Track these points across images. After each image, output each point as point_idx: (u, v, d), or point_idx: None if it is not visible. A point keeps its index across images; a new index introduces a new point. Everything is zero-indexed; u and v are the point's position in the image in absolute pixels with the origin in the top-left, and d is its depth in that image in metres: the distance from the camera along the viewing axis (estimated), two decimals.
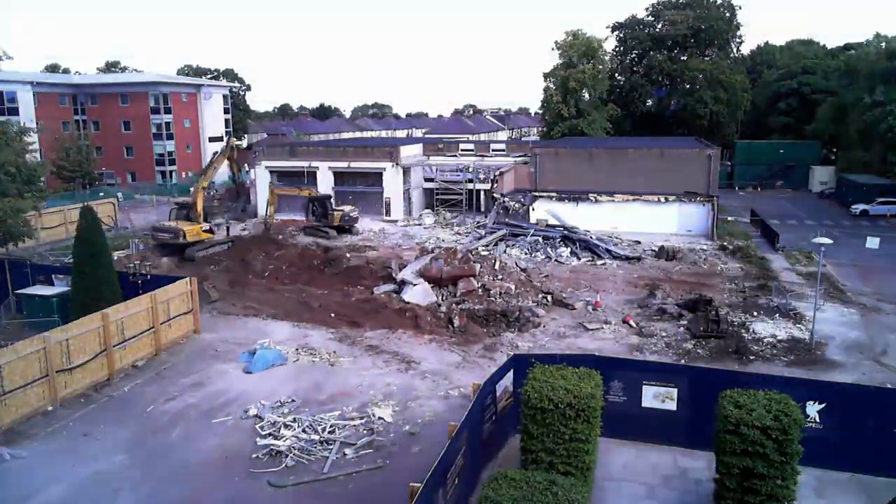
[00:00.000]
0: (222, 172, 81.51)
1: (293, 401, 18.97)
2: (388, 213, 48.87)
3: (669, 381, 16.03)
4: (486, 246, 38.06)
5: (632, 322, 25.53)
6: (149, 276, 26.04)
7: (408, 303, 27.52)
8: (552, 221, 43.69)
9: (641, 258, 36.15)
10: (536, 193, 46.26)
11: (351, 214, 44.27)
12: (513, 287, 28.93)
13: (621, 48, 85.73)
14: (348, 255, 35.95)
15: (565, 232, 39.40)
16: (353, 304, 28.01)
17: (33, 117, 63.69)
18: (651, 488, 14.55)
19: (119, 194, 59.65)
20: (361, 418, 17.84)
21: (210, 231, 37.71)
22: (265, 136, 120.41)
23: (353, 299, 28.70)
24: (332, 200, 45.61)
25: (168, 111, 74.48)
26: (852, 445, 14.80)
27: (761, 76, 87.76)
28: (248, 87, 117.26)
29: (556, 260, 36.02)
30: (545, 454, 13.32)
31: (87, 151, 67.63)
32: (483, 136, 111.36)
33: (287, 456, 15.95)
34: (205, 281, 30.22)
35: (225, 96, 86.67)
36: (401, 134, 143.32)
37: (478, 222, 46.47)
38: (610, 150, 47.36)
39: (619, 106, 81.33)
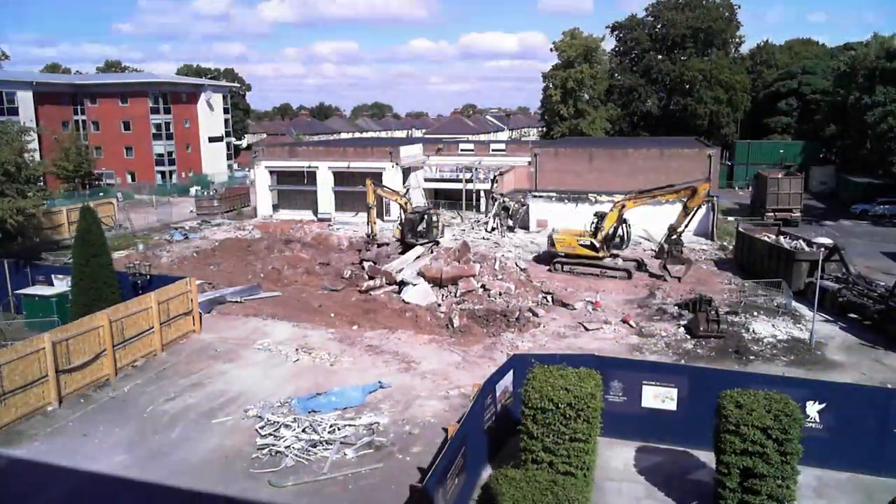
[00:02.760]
0: (222, 172, 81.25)
1: (293, 401, 18.96)
2: (387, 213, 48.90)
3: (669, 381, 16.04)
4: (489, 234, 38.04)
5: (632, 322, 25.53)
6: (149, 277, 26.07)
7: (408, 303, 27.54)
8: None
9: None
10: (536, 193, 46.26)
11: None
12: (513, 287, 28.94)
13: (621, 48, 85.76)
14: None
15: None
16: (353, 304, 28.02)
17: (33, 117, 63.68)
18: (651, 488, 14.55)
19: (119, 194, 59.67)
20: (361, 419, 17.83)
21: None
22: (265, 136, 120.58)
23: (353, 299, 28.71)
24: (438, 214, 38.25)
25: (168, 111, 74.40)
26: (852, 445, 14.81)
27: (761, 76, 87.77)
28: (249, 88, 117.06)
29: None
30: (545, 454, 13.31)
31: (86, 151, 67.61)
32: (483, 137, 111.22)
33: (287, 456, 15.96)
34: (204, 281, 30.27)
35: (225, 96, 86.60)
36: (400, 134, 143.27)
37: (477, 221, 46.54)
38: (610, 150, 47.43)
39: (618, 106, 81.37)
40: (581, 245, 32.91)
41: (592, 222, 33.81)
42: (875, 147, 54.54)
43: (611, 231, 32.61)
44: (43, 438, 17.05)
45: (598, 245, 32.54)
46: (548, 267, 34.00)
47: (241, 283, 31.32)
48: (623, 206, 32.07)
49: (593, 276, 32.62)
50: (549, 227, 43.94)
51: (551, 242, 33.94)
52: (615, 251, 33.40)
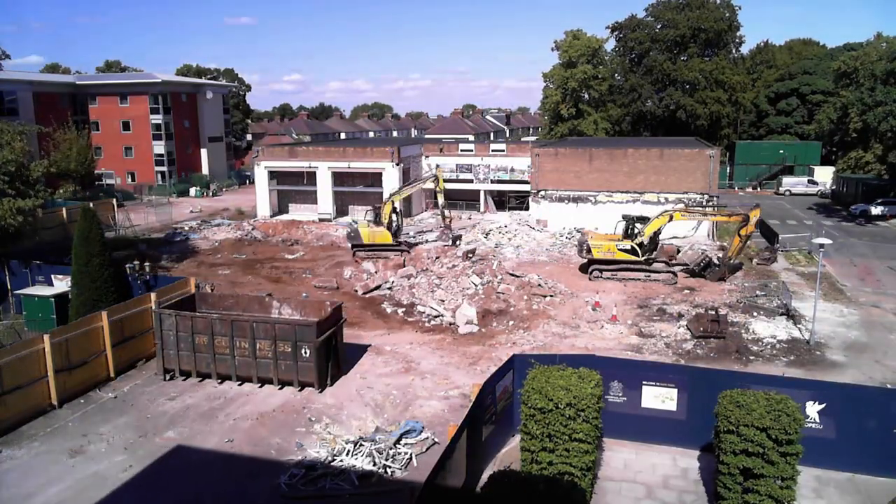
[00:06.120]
0: (222, 172, 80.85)
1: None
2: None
3: (669, 382, 16.04)
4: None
5: (619, 321, 25.58)
6: (148, 277, 26.07)
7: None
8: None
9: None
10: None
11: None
12: (512, 288, 28.96)
13: (621, 48, 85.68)
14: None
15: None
16: (351, 305, 28.01)
17: (33, 117, 63.57)
18: (651, 488, 14.54)
19: (118, 194, 59.61)
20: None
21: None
22: (265, 136, 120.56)
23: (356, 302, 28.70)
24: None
25: (168, 111, 74.29)
26: (852, 445, 14.80)
27: (761, 76, 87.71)
28: (248, 88, 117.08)
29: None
30: (545, 454, 13.31)
31: (86, 151, 67.49)
32: (483, 137, 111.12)
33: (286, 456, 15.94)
34: (205, 280, 30.25)
35: (224, 97, 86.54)
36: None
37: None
38: (610, 150, 47.30)
39: (619, 106, 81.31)
40: (621, 250, 31.40)
41: (628, 226, 31.93)
42: (875, 147, 54.57)
43: (649, 237, 31.38)
44: (43, 438, 17.05)
45: (639, 249, 31.24)
46: (588, 276, 32.17)
47: (241, 283, 31.36)
48: (671, 217, 31.38)
49: (638, 282, 31.43)
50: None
51: (587, 249, 31.87)
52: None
